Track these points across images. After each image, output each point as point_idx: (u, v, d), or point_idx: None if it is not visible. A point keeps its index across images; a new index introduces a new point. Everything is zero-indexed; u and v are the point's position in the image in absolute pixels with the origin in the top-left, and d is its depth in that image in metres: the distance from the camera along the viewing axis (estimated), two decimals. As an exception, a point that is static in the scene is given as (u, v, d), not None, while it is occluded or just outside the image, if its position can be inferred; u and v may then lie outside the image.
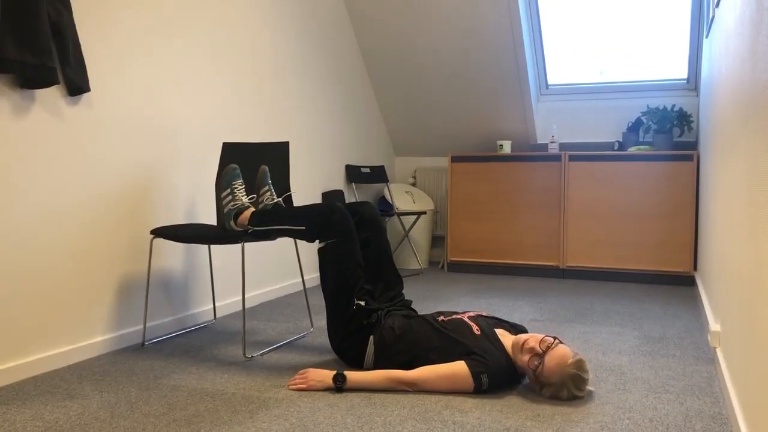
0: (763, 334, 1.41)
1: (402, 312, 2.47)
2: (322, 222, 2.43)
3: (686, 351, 2.65)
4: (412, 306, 2.62)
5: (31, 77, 2.25)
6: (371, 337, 2.34)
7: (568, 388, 2.03)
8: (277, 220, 2.51)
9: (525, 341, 2.10)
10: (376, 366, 2.31)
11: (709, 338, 2.51)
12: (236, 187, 2.57)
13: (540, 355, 2.05)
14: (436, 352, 2.20)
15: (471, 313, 2.36)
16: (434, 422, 1.87)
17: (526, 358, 2.08)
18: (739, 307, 1.84)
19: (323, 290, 2.46)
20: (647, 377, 2.31)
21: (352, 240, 2.43)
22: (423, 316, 2.38)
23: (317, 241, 2.46)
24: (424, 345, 2.24)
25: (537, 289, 4.11)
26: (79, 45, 2.44)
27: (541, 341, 2.07)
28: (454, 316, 2.32)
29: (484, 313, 2.40)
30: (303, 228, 2.45)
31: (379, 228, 2.59)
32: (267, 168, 2.68)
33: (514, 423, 1.87)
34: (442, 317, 2.33)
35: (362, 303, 2.38)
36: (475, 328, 2.22)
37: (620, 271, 4.37)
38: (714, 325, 2.48)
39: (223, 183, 2.58)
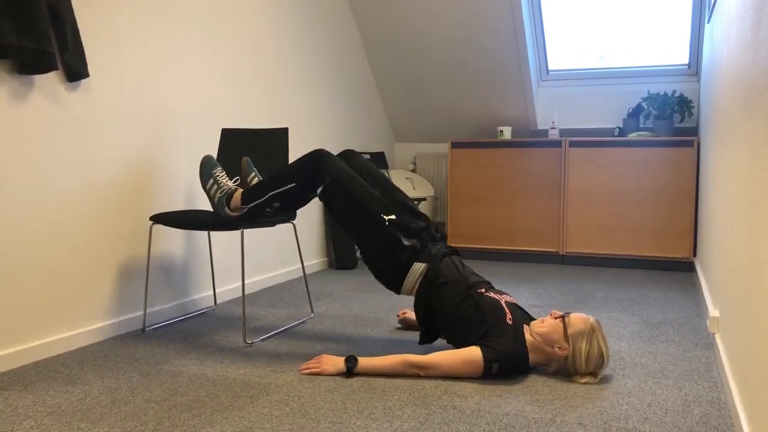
0: (762, 320, 1.42)
1: (451, 254, 2.43)
2: (309, 171, 2.37)
3: (685, 336, 2.66)
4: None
5: (29, 62, 2.23)
6: (417, 264, 2.32)
7: (597, 337, 2.09)
8: (267, 188, 2.44)
9: (543, 319, 2.20)
10: (418, 296, 2.32)
11: (708, 324, 2.52)
12: (218, 175, 2.54)
13: (562, 316, 2.15)
14: (463, 321, 2.21)
15: (509, 299, 2.31)
16: (434, 407, 1.88)
17: (549, 321, 2.15)
18: (738, 293, 1.85)
19: (344, 227, 2.41)
20: (646, 362, 2.32)
21: (347, 171, 2.38)
22: (467, 279, 2.33)
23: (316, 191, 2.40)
24: (457, 308, 2.24)
25: (537, 275, 4.12)
26: (77, 30, 2.43)
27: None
28: (492, 294, 2.28)
29: (517, 303, 2.37)
30: (293, 185, 2.39)
31: (364, 163, 2.56)
32: (249, 158, 2.66)
33: (513, 408, 1.88)
34: (483, 289, 2.29)
35: (393, 217, 2.33)
36: (509, 316, 2.19)
37: (620, 257, 4.38)
38: (713, 311, 2.48)
39: (204, 175, 2.54)
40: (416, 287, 2.34)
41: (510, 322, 2.17)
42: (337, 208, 2.39)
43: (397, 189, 2.53)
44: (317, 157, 2.38)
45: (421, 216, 2.47)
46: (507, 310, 2.21)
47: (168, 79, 2.97)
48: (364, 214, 2.34)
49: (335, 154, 2.48)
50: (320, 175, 2.36)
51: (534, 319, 2.33)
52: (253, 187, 2.49)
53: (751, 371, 1.54)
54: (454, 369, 2.12)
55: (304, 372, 2.19)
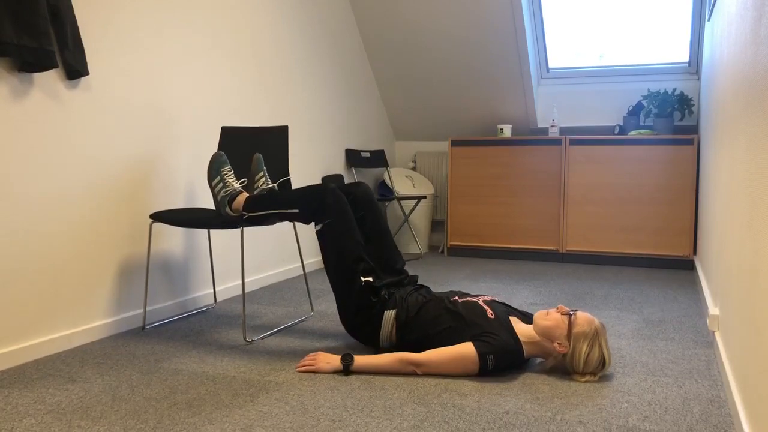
0: (762, 318, 1.42)
1: (417, 290, 2.47)
2: (315, 204, 2.43)
3: (685, 335, 2.66)
4: (420, 282, 2.62)
5: (29, 61, 2.23)
6: (388, 312, 2.35)
7: (599, 341, 2.08)
8: (271, 204, 2.52)
9: (548, 311, 2.19)
10: (399, 342, 2.34)
11: (708, 322, 2.52)
12: (225, 174, 2.59)
13: (569, 313, 2.13)
14: (447, 333, 2.21)
15: (486, 298, 2.37)
16: (433, 405, 1.88)
17: (555, 316, 2.13)
18: (737, 292, 1.85)
19: (327, 272, 2.47)
20: (646, 360, 2.32)
21: (349, 218, 2.44)
22: (437, 296, 2.39)
23: (313, 223, 2.47)
24: (436, 324, 2.25)
25: (537, 273, 4.12)
26: (77, 28, 2.42)
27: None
28: (468, 298, 2.33)
29: (497, 299, 2.41)
30: (297, 211, 2.47)
31: (374, 205, 2.59)
32: (261, 155, 2.69)
33: (513, 406, 1.88)
34: (456, 297, 2.35)
35: (369, 279, 2.39)
36: (489, 312, 2.22)
37: (620, 255, 4.38)
38: (713, 309, 2.49)
39: (212, 171, 2.60)
40: (393, 333, 2.35)
41: (492, 317, 2.20)
42: (325, 250, 2.45)
43: (391, 243, 2.58)
44: (324, 194, 2.43)
45: (401, 272, 2.54)
46: (485, 307, 2.25)
47: (168, 77, 2.97)
48: (345, 267, 2.40)
49: (344, 177, 2.52)
50: (323, 214, 2.43)
51: (521, 312, 2.37)
52: (259, 198, 2.55)
53: (751, 369, 1.54)
54: (449, 365, 2.12)
55: (300, 370, 2.19)
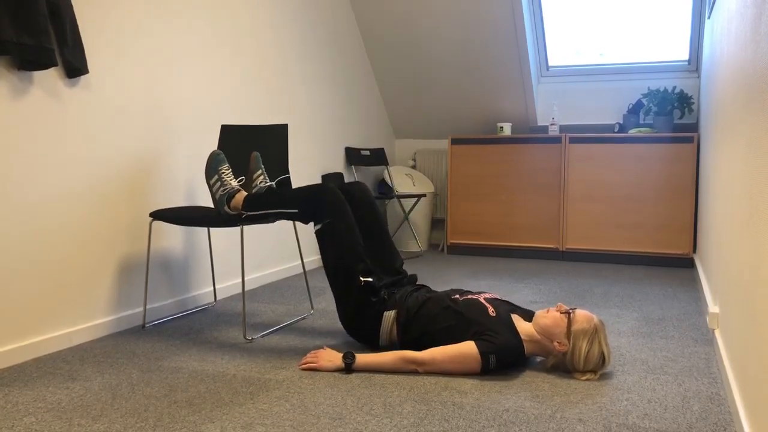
0: (762, 316, 1.42)
1: (417, 290, 2.47)
2: (314, 204, 2.44)
3: (685, 332, 2.67)
4: (420, 280, 2.62)
5: (28, 59, 2.23)
6: (387, 313, 2.35)
7: (599, 338, 2.08)
8: (270, 204, 2.52)
9: (548, 309, 2.19)
10: (399, 341, 2.34)
11: (707, 320, 2.52)
12: (223, 172, 2.59)
13: (567, 311, 2.13)
14: (448, 331, 2.21)
15: (487, 295, 2.36)
16: (434, 403, 1.89)
17: (553, 314, 2.13)
18: (737, 289, 1.85)
19: (326, 272, 2.47)
20: (646, 358, 2.32)
21: (347, 218, 2.44)
22: (438, 294, 2.39)
23: (312, 223, 2.47)
24: (437, 322, 2.25)
25: (536, 271, 4.12)
26: (76, 26, 2.42)
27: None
28: (469, 296, 2.33)
29: (499, 297, 2.40)
30: (295, 211, 2.48)
31: (372, 205, 2.60)
32: (259, 154, 2.68)
33: (513, 404, 1.88)
34: (457, 296, 2.34)
35: (369, 279, 2.38)
36: (490, 309, 2.22)
37: (620, 253, 4.38)
38: (713, 307, 2.49)
39: (210, 170, 2.60)
40: (394, 332, 2.36)
41: (493, 315, 2.19)
42: (324, 250, 2.45)
43: (389, 242, 2.59)
44: (324, 195, 2.43)
45: (400, 271, 2.55)
46: (486, 305, 2.24)
47: (168, 75, 2.97)
48: (344, 267, 2.40)
49: (344, 175, 2.52)
50: (321, 213, 2.42)
51: (523, 310, 2.37)
52: (258, 197, 2.55)
53: (751, 367, 1.54)
54: (451, 364, 2.12)
55: (302, 367, 2.20)
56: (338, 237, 2.42)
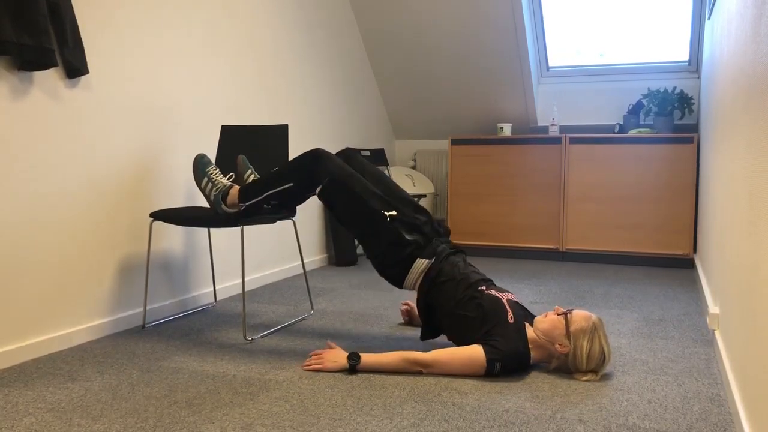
0: (762, 317, 1.42)
1: (455, 254, 2.42)
2: (308, 170, 2.37)
3: (685, 333, 2.67)
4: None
5: (29, 59, 2.23)
6: (420, 261, 2.32)
7: (598, 335, 2.08)
8: (265, 187, 2.44)
9: (546, 314, 2.19)
10: (418, 292, 2.33)
11: (707, 321, 2.52)
12: (212, 173, 2.52)
13: (565, 312, 2.14)
14: (463, 320, 2.21)
15: (510, 296, 2.30)
16: (434, 403, 1.88)
17: (551, 317, 2.14)
18: (737, 290, 1.85)
19: (347, 227, 2.41)
20: (646, 359, 2.32)
21: (347, 169, 2.37)
22: (470, 278, 2.32)
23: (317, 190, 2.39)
24: (457, 307, 2.24)
25: (537, 271, 4.12)
26: (77, 27, 2.42)
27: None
28: (494, 292, 2.27)
29: (518, 300, 2.35)
30: (292, 184, 2.39)
31: (369, 165, 2.54)
32: (244, 156, 2.65)
33: (513, 404, 1.88)
34: (483, 287, 2.29)
35: (393, 213, 2.33)
36: (510, 315, 2.17)
37: (620, 254, 4.38)
38: (713, 308, 2.48)
39: (198, 174, 2.53)
40: (418, 283, 2.34)
41: (512, 321, 2.16)
42: (337, 207, 2.38)
43: (397, 186, 2.53)
44: (315, 156, 2.37)
45: (423, 211, 2.47)
46: (509, 309, 2.20)
47: (168, 76, 2.97)
48: (365, 211, 2.33)
49: (334, 152, 2.48)
50: (319, 174, 2.36)
51: (532, 316, 2.32)
52: (251, 185, 2.48)
53: (751, 368, 1.54)
54: (456, 368, 2.11)
55: (306, 368, 2.19)
56: (345, 188, 2.34)
